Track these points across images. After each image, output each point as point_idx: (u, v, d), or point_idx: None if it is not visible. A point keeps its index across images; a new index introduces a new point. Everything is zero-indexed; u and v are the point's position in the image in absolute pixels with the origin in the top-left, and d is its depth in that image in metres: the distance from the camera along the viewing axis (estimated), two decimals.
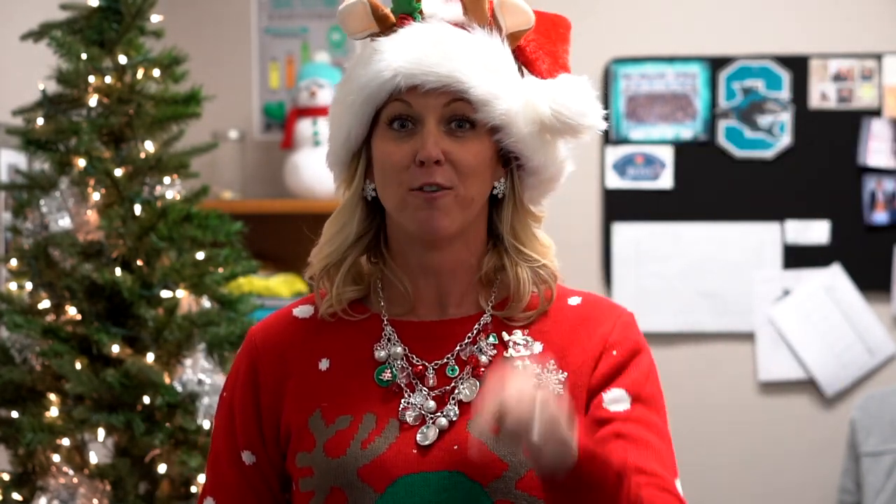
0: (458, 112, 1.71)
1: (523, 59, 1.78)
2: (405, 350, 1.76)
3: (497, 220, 1.78)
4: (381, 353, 1.76)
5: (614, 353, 1.76)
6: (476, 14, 1.74)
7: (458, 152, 1.71)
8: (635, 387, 1.74)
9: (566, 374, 1.74)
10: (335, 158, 1.80)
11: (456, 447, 1.70)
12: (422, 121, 1.71)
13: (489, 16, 1.74)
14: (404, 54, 1.70)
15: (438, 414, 1.72)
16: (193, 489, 3.10)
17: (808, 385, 4.39)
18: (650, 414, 1.74)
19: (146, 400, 3.02)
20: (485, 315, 1.77)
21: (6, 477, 3.10)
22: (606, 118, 1.78)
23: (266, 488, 1.80)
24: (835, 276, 4.36)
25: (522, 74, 1.78)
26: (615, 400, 1.73)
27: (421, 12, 1.75)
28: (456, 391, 1.73)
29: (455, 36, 1.72)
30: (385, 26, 1.74)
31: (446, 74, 1.69)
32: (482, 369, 1.74)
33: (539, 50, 1.79)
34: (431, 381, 1.74)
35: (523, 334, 1.77)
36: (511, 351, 1.75)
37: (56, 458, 3.05)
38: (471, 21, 1.74)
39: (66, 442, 3.05)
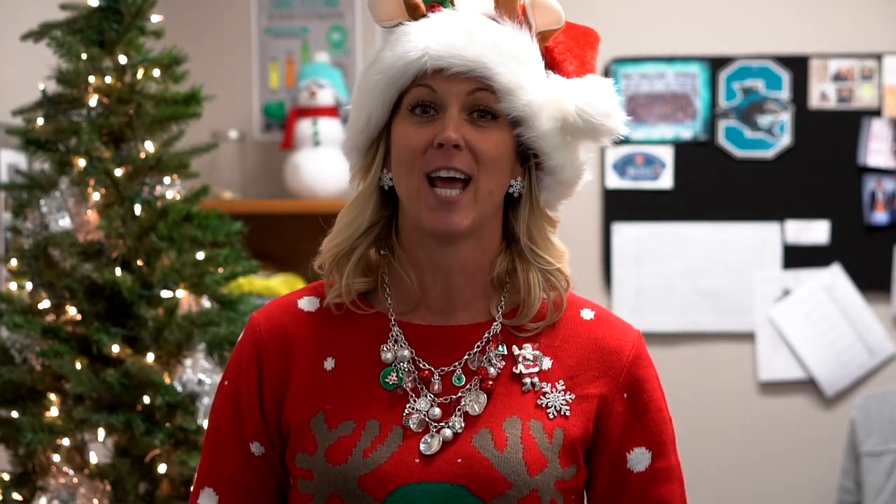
0: (482, 102, 1.70)
1: (550, 60, 1.77)
2: (412, 353, 1.74)
3: (513, 221, 1.77)
4: (387, 355, 1.75)
5: (625, 395, 1.77)
6: (507, 9, 1.74)
7: (478, 141, 1.70)
8: (654, 440, 1.77)
9: (574, 395, 1.74)
10: (353, 145, 1.78)
11: (460, 460, 1.69)
12: (444, 107, 1.70)
13: (520, 13, 1.74)
14: (433, 37, 1.69)
15: (443, 424, 1.71)
16: None
17: (808, 385, 4.39)
18: (668, 460, 1.78)
19: (146, 400, 3.02)
20: (494, 323, 1.76)
21: (6, 477, 3.09)
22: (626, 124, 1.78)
23: (273, 478, 1.79)
24: (835, 276, 4.36)
25: (548, 75, 1.76)
26: (638, 460, 1.77)
27: (452, 1, 1.74)
28: (462, 402, 1.72)
29: (485, 24, 1.72)
30: (414, 15, 1.73)
31: (473, 59, 1.69)
32: (490, 382, 1.73)
33: (567, 52, 1.78)
34: (437, 388, 1.73)
35: (533, 348, 1.75)
36: (520, 367, 1.74)
37: (56, 458, 3.04)
38: (502, 15, 1.74)
39: (66, 442, 3.04)
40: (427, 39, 1.69)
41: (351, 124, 1.78)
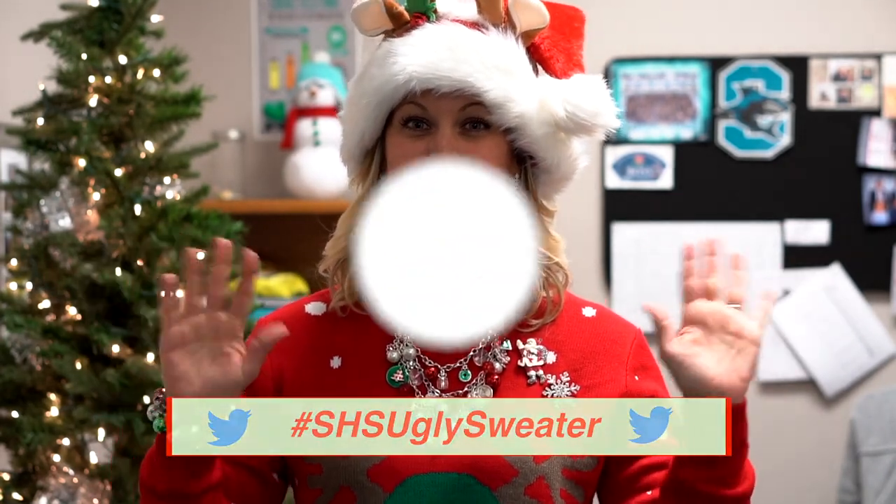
0: (473, 115, 1.71)
1: (538, 57, 1.78)
2: (417, 352, 1.75)
3: None
4: (393, 354, 1.76)
5: (636, 378, 1.77)
6: (490, 13, 1.73)
7: (473, 153, 1.70)
8: None
9: (579, 387, 1.75)
10: (349, 155, 1.80)
11: None
12: (436, 123, 1.71)
13: (503, 14, 1.74)
14: (419, 58, 1.69)
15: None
16: None
17: (808, 385, 4.39)
18: None
19: (146, 400, 3.02)
20: None
21: (6, 477, 3.10)
22: (619, 116, 1.78)
23: (271, 475, 1.78)
24: (835, 276, 4.36)
25: (537, 73, 1.77)
26: None
27: (435, 11, 1.74)
28: (469, 396, 1.73)
29: (469, 38, 1.72)
30: (399, 24, 1.74)
31: (460, 79, 1.69)
32: (496, 377, 1.74)
33: (553, 48, 1.78)
34: (443, 384, 1.74)
35: (537, 343, 1.77)
36: (525, 360, 1.76)
37: (56, 458, 3.05)
38: (485, 20, 1.74)
39: (66, 442, 3.05)
40: (413, 62, 1.69)
41: (345, 135, 1.79)
